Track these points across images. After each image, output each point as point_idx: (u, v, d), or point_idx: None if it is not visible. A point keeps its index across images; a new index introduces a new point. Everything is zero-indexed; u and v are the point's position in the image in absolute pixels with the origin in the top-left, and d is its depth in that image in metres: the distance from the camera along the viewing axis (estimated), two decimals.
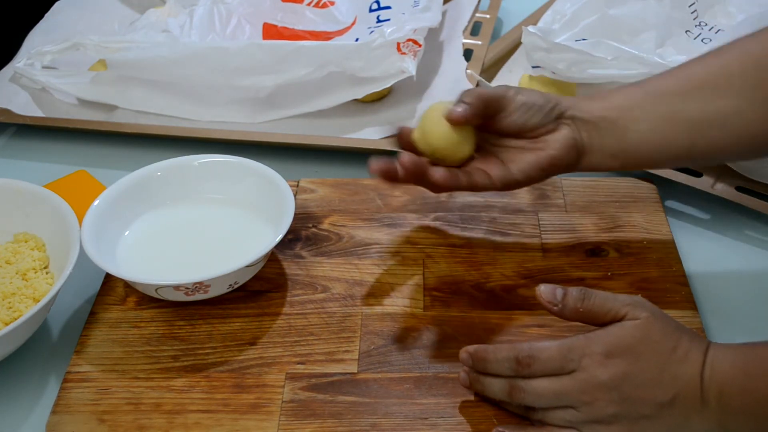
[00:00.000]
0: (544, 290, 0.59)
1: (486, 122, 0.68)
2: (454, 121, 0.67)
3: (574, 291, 0.59)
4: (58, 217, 0.73)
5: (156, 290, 0.69)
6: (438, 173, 0.67)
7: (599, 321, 0.58)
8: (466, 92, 0.68)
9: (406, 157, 0.66)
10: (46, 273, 0.73)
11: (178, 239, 0.76)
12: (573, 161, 0.68)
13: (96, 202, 0.75)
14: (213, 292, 0.70)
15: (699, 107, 0.65)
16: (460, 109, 0.67)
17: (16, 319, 0.66)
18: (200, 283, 0.68)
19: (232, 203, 0.78)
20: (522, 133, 0.68)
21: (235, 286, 0.72)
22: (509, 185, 0.69)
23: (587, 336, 0.57)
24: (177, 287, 0.68)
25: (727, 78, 0.64)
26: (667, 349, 0.56)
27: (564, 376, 0.57)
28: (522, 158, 0.68)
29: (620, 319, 0.57)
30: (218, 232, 0.77)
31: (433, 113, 0.69)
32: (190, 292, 0.69)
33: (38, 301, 0.69)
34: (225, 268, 0.68)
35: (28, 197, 0.76)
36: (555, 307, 0.59)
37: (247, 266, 0.69)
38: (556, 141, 0.67)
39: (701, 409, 0.55)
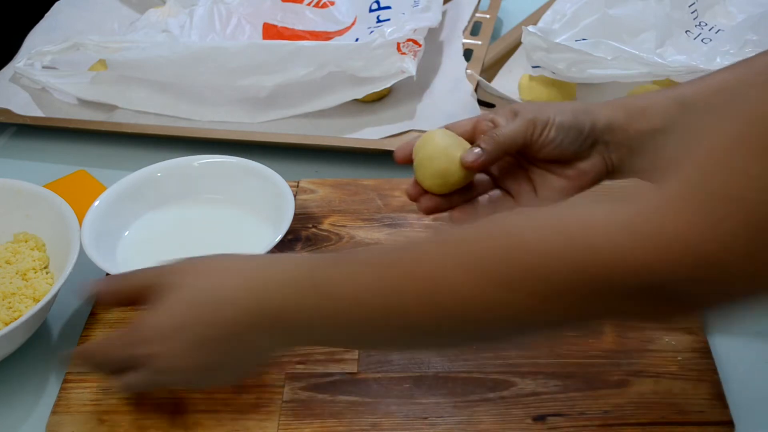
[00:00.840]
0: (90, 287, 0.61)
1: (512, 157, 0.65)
2: (468, 168, 0.62)
3: (112, 278, 0.64)
4: (58, 217, 0.73)
5: None
6: (455, 215, 0.64)
7: (148, 299, 0.58)
8: (486, 138, 0.62)
9: (422, 204, 0.64)
10: (46, 273, 0.73)
11: (178, 239, 0.76)
12: (601, 181, 0.65)
13: (96, 203, 0.75)
14: None
15: None
16: (473, 157, 0.61)
17: (16, 319, 0.66)
18: None
19: (232, 203, 0.78)
20: (554, 162, 0.64)
21: None
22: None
23: (134, 322, 0.58)
24: None
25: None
26: (209, 308, 0.56)
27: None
28: (551, 184, 0.64)
29: (161, 292, 0.57)
30: (218, 232, 0.77)
31: (428, 145, 0.65)
32: None
33: (38, 301, 0.69)
34: None
35: (28, 197, 0.76)
36: (99, 296, 0.62)
37: None
38: (590, 170, 0.63)
39: (271, 336, 0.55)
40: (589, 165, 0.63)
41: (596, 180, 0.64)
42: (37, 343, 0.71)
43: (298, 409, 0.64)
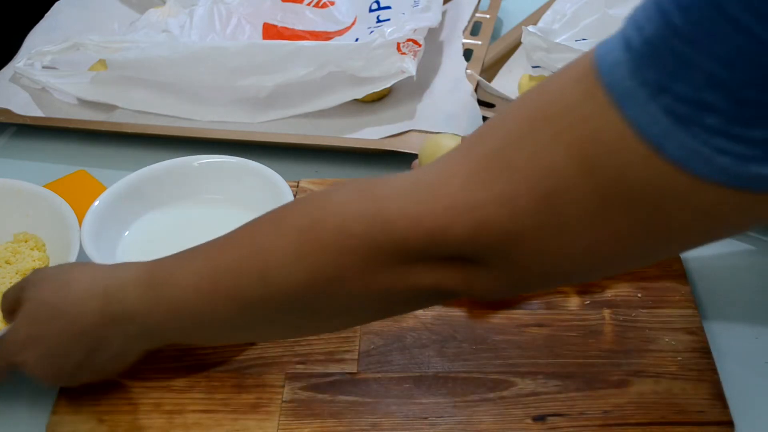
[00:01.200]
0: None
1: None
2: None
3: None
4: (58, 217, 0.73)
5: None
6: None
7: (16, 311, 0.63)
8: None
9: None
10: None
11: (178, 239, 0.76)
12: None
13: (96, 203, 0.75)
14: None
15: None
16: None
17: None
18: None
19: (232, 203, 0.78)
20: None
21: None
22: None
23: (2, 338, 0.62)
24: None
25: None
26: (59, 320, 0.59)
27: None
28: None
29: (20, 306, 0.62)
30: (218, 232, 0.76)
31: (434, 146, 0.66)
32: None
33: None
34: None
35: (28, 197, 0.76)
36: None
37: None
38: None
39: (125, 338, 0.58)
40: None
41: None
42: None
43: (298, 409, 0.64)
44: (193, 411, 0.64)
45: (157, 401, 0.65)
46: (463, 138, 0.45)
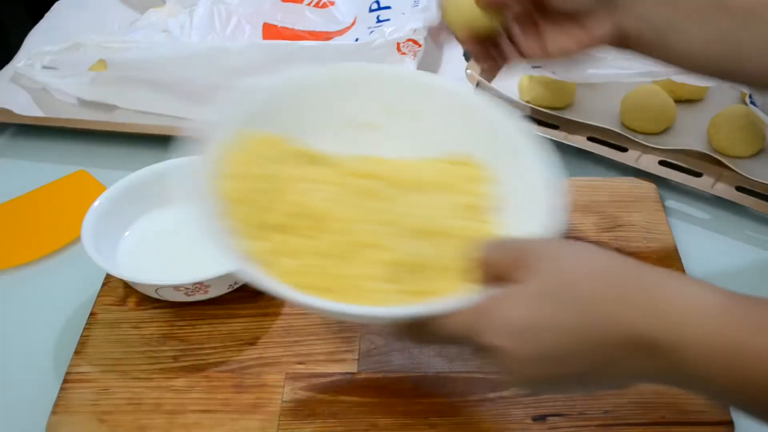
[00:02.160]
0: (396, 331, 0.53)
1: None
2: (486, 4, 0.60)
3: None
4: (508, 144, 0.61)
5: (156, 290, 0.69)
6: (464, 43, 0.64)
7: (504, 276, 0.50)
8: None
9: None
10: (498, 218, 0.60)
11: (178, 239, 0.76)
12: (609, 46, 0.63)
13: (96, 203, 0.75)
14: (213, 293, 0.70)
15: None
16: None
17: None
18: (200, 283, 0.68)
19: None
20: (565, 17, 0.62)
21: (235, 287, 0.72)
22: (538, 59, 0.64)
23: (486, 308, 0.49)
24: (177, 287, 0.68)
25: None
26: (579, 314, 0.46)
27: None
28: (559, 38, 0.62)
29: (521, 275, 0.48)
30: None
31: None
32: (189, 293, 0.69)
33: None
34: (225, 269, 0.68)
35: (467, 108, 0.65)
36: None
37: None
38: (599, 31, 0.61)
39: (651, 367, 0.46)
40: (599, 26, 0.61)
41: (604, 42, 0.62)
42: (37, 343, 0.72)
43: (298, 409, 0.64)
44: (193, 411, 0.64)
45: (157, 401, 0.65)
46: None
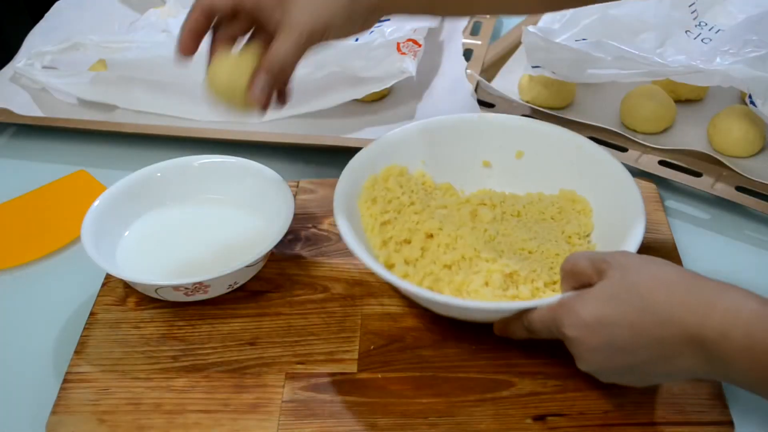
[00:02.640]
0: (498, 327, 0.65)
1: None
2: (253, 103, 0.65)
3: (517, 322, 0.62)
4: (617, 189, 0.72)
5: (156, 290, 0.69)
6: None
7: (584, 282, 0.59)
8: (263, 73, 0.64)
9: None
10: (588, 242, 0.73)
11: (178, 239, 0.76)
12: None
13: (96, 203, 0.75)
14: (213, 293, 0.70)
15: None
16: (257, 96, 0.65)
17: (554, 282, 0.68)
18: (200, 283, 0.68)
19: (232, 203, 0.78)
20: None
21: (235, 287, 0.72)
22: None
23: (567, 304, 0.58)
24: (177, 288, 0.68)
25: None
26: (642, 312, 0.55)
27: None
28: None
29: (596, 281, 0.58)
30: (218, 232, 0.77)
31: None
32: (189, 293, 0.69)
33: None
34: (225, 269, 0.68)
35: (583, 154, 0.76)
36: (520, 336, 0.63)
37: (247, 266, 0.69)
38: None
39: (704, 364, 0.54)
40: None
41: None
42: (37, 343, 0.72)
43: (298, 409, 0.64)
44: (193, 411, 0.64)
45: (157, 401, 0.65)
46: None
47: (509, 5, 0.72)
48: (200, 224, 0.78)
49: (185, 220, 0.78)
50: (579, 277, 0.59)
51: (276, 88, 0.66)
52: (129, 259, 0.74)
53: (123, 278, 0.70)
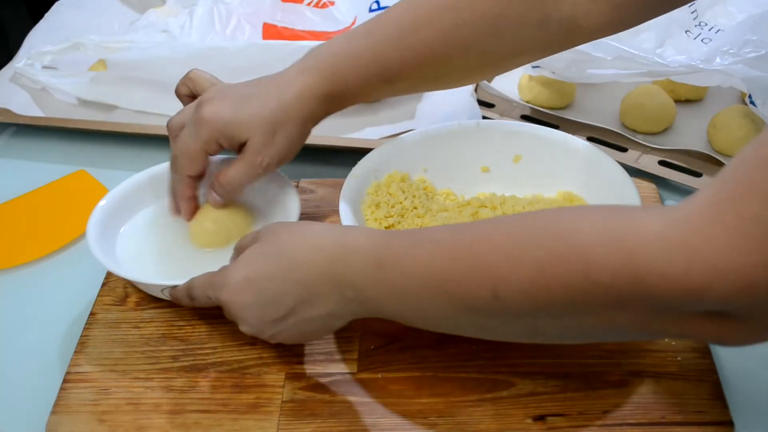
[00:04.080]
0: (171, 293, 0.67)
1: None
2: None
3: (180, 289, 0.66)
4: (615, 190, 0.73)
5: (161, 291, 0.69)
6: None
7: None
8: (218, 188, 0.72)
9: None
10: None
11: (185, 239, 0.76)
12: None
13: (102, 203, 0.74)
14: None
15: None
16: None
17: None
18: None
19: (237, 203, 0.78)
20: None
21: None
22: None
23: (221, 270, 0.62)
24: None
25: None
26: (280, 263, 0.59)
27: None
28: None
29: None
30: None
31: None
32: None
33: None
34: None
35: (581, 154, 0.77)
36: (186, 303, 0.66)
37: None
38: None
39: (341, 299, 0.58)
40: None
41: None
42: (37, 343, 0.72)
43: (298, 409, 0.64)
44: (193, 411, 0.64)
45: (156, 401, 0.65)
46: (707, 186, 0.46)
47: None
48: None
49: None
50: (240, 250, 0.63)
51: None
52: (134, 259, 0.73)
53: (128, 279, 0.69)
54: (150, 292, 0.71)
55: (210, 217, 0.74)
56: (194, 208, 0.74)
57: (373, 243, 0.56)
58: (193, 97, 0.75)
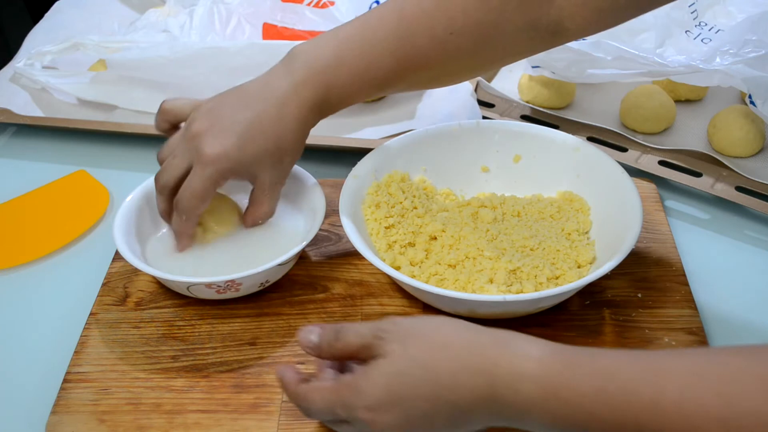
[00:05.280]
0: (300, 336, 0.58)
1: None
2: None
3: (326, 332, 0.57)
4: (614, 187, 0.74)
5: (188, 288, 0.69)
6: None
7: (361, 357, 0.55)
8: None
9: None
10: (588, 239, 0.75)
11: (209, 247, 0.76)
12: None
13: (128, 199, 0.74)
14: (244, 291, 0.70)
15: None
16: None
17: (556, 277, 0.70)
18: (232, 281, 0.68)
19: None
20: None
21: (267, 285, 0.72)
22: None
23: (351, 385, 0.54)
24: (209, 285, 0.68)
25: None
26: (431, 384, 0.52)
27: (343, 424, 0.56)
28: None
29: (374, 356, 0.54)
30: (250, 230, 0.76)
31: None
32: (222, 290, 0.69)
33: (580, 266, 0.72)
34: (257, 267, 0.68)
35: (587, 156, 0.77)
36: (313, 351, 0.57)
37: (279, 265, 0.69)
38: None
39: (498, 418, 0.53)
40: None
41: None
42: (37, 344, 0.72)
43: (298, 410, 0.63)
44: (193, 411, 0.64)
45: (156, 401, 0.65)
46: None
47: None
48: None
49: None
50: (358, 355, 0.56)
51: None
52: (160, 256, 0.73)
53: (155, 276, 0.69)
54: (178, 290, 0.71)
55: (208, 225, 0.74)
56: (191, 242, 0.73)
57: (545, 369, 0.51)
58: (175, 127, 0.73)
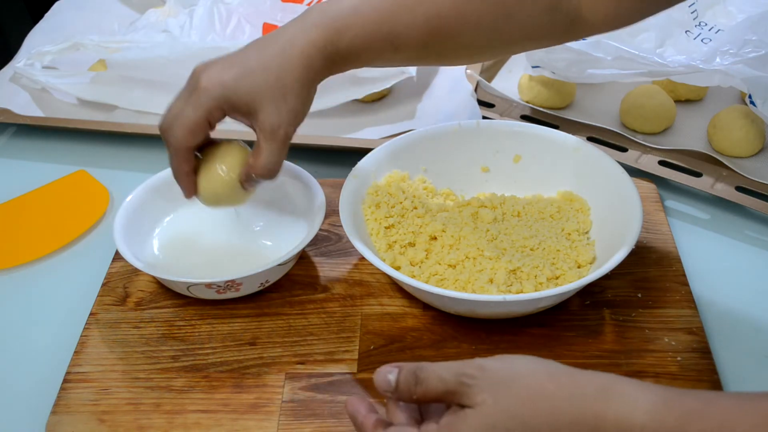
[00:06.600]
0: (377, 378, 0.53)
1: None
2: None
3: (405, 376, 0.52)
4: (614, 187, 0.74)
5: (188, 288, 0.69)
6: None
7: (441, 401, 0.52)
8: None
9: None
10: (588, 239, 0.75)
11: (210, 236, 0.76)
12: None
13: (128, 199, 0.74)
14: (244, 291, 0.70)
15: None
16: None
17: (556, 277, 0.70)
18: (232, 281, 0.68)
19: (264, 202, 0.78)
20: None
21: (267, 285, 0.72)
22: None
23: None
24: (209, 285, 0.68)
25: None
26: None
27: None
28: None
29: (459, 403, 0.51)
30: (250, 230, 0.77)
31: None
32: (222, 290, 0.69)
33: (580, 266, 0.72)
34: (257, 267, 0.68)
35: (588, 155, 0.77)
36: (391, 395, 0.53)
37: (279, 265, 0.69)
38: None
39: None
40: None
41: None
42: (37, 344, 0.72)
43: (298, 409, 0.64)
44: (193, 411, 0.64)
45: (156, 401, 0.65)
46: None
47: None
48: (230, 223, 0.77)
49: (217, 217, 0.77)
50: (432, 399, 0.52)
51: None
52: (160, 256, 0.73)
53: (155, 276, 0.69)
54: (177, 290, 0.71)
55: (214, 168, 0.68)
56: (195, 183, 0.68)
57: (656, 424, 0.48)
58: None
